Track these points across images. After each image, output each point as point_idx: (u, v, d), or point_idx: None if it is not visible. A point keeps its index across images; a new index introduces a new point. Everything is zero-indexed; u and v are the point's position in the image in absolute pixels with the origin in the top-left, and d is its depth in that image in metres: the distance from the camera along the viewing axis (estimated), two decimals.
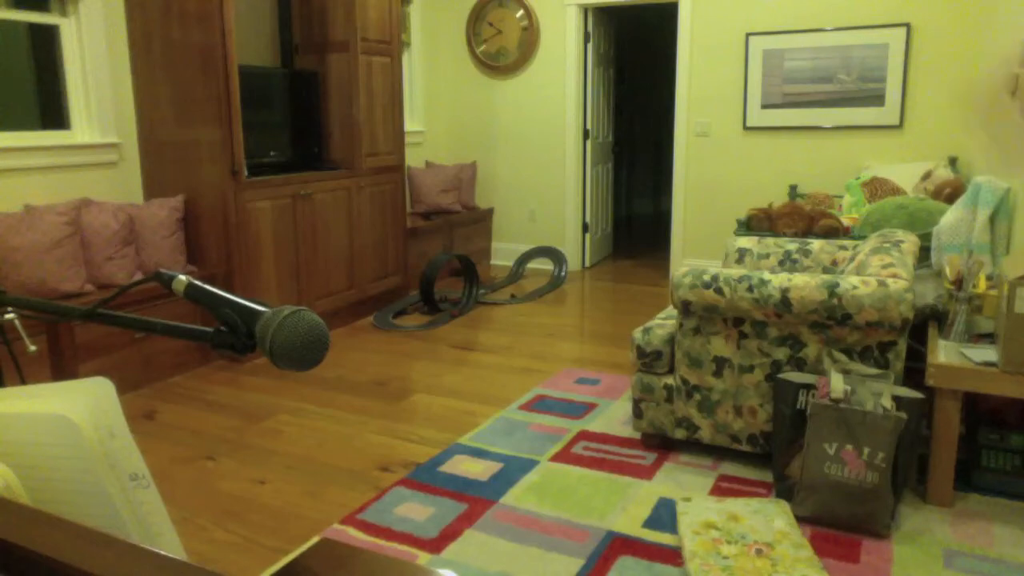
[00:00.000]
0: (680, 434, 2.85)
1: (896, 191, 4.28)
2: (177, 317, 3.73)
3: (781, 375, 2.53)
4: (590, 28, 6.13)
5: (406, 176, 5.88)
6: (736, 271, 2.64)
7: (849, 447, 2.31)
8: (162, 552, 0.63)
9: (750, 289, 2.56)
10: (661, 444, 2.96)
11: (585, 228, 6.46)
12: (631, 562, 2.20)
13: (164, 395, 3.62)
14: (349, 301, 4.80)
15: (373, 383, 3.75)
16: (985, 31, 4.76)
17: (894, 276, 2.49)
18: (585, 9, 6.06)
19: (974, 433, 2.57)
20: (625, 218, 9.46)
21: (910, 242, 2.91)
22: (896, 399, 2.34)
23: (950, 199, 3.81)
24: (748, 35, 5.45)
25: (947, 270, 2.84)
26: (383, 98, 5.00)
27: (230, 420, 3.31)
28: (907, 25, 5.02)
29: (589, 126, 6.31)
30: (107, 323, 0.98)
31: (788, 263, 3.44)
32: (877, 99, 5.16)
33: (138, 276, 3.75)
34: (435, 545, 2.31)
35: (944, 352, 2.51)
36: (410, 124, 6.34)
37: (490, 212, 6.68)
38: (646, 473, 2.75)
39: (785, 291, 2.52)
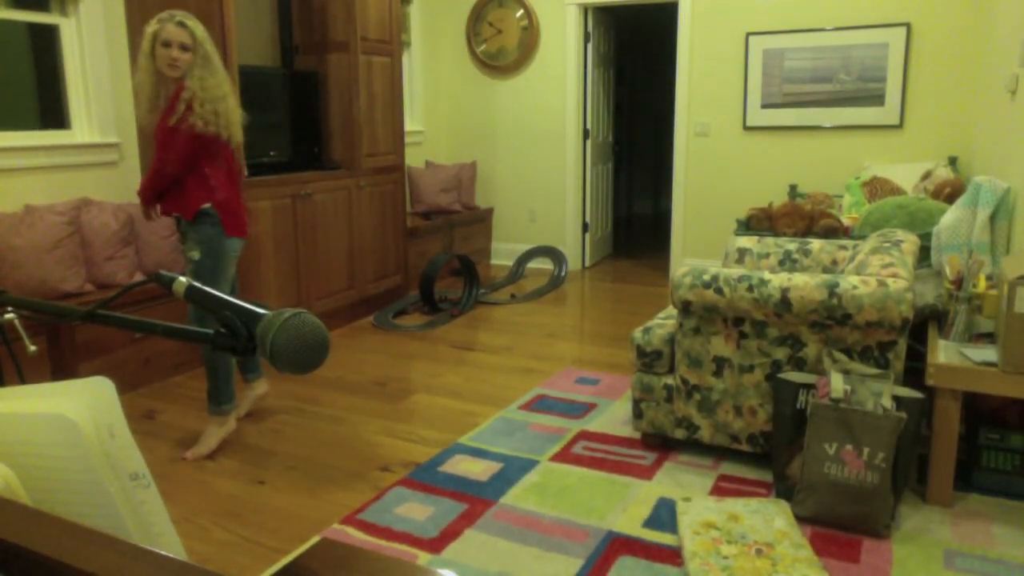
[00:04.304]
0: (680, 434, 2.85)
1: (896, 191, 4.28)
2: (177, 317, 3.73)
3: (781, 375, 2.53)
4: (590, 28, 6.13)
5: (406, 176, 5.88)
6: (736, 271, 2.64)
7: (849, 447, 2.31)
8: (162, 552, 0.63)
9: (750, 289, 2.56)
10: (661, 444, 2.96)
11: (585, 228, 6.46)
12: (631, 562, 2.20)
13: (164, 395, 3.62)
14: (349, 301, 4.80)
15: (373, 383, 3.76)
16: (985, 31, 4.76)
17: (894, 276, 2.49)
18: (585, 9, 6.07)
19: (974, 433, 2.57)
20: (625, 218, 9.47)
21: (910, 242, 2.91)
22: (896, 399, 2.34)
23: (950, 199, 3.81)
24: (748, 35, 5.45)
25: (947, 270, 2.84)
26: (383, 98, 5.00)
27: None
28: (907, 25, 5.02)
29: (589, 126, 6.31)
30: (107, 324, 0.98)
31: (788, 263, 3.44)
32: (877, 99, 5.16)
33: (138, 276, 3.75)
34: (435, 545, 2.31)
35: (944, 352, 2.51)
36: (410, 124, 6.34)
37: (490, 212, 6.68)
38: (646, 473, 2.75)
39: (785, 291, 2.52)
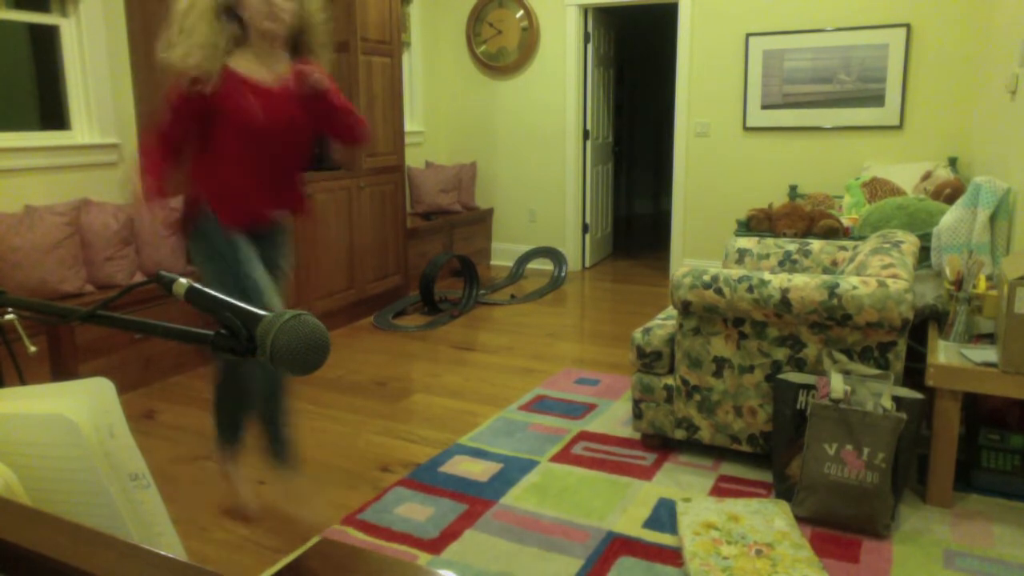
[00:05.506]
0: (680, 434, 2.85)
1: (896, 191, 4.28)
2: (177, 317, 3.73)
3: (781, 375, 2.53)
4: (590, 28, 6.13)
5: (406, 176, 5.88)
6: (736, 271, 2.64)
7: (849, 447, 2.31)
8: (162, 552, 0.63)
9: (750, 289, 2.56)
10: (661, 444, 2.96)
11: (585, 228, 6.46)
12: (631, 562, 2.20)
13: (164, 395, 3.62)
14: (349, 301, 4.80)
15: (373, 383, 3.76)
16: (985, 31, 4.76)
17: (894, 276, 2.49)
18: (585, 9, 6.07)
19: (974, 433, 2.57)
20: (625, 218, 9.46)
21: (910, 242, 2.91)
22: (896, 399, 2.34)
23: (950, 199, 3.81)
24: (748, 35, 5.45)
25: (947, 270, 2.84)
26: (383, 98, 5.00)
27: None
28: (907, 25, 5.02)
29: (589, 126, 6.31)
30: (107, 325, 0.98)
31: (788, 263, 3.44)
32: (877, 99, 5.16)
33: (138, 276, 3.75)
34: (435, 545, 2.31)
35: (944, 352, 2.51)
36: (410, 124, 6.35)
37: (490, 212, 6.68)
38: (646, 473, 2.75)
39: (785, 291, 2.52)
